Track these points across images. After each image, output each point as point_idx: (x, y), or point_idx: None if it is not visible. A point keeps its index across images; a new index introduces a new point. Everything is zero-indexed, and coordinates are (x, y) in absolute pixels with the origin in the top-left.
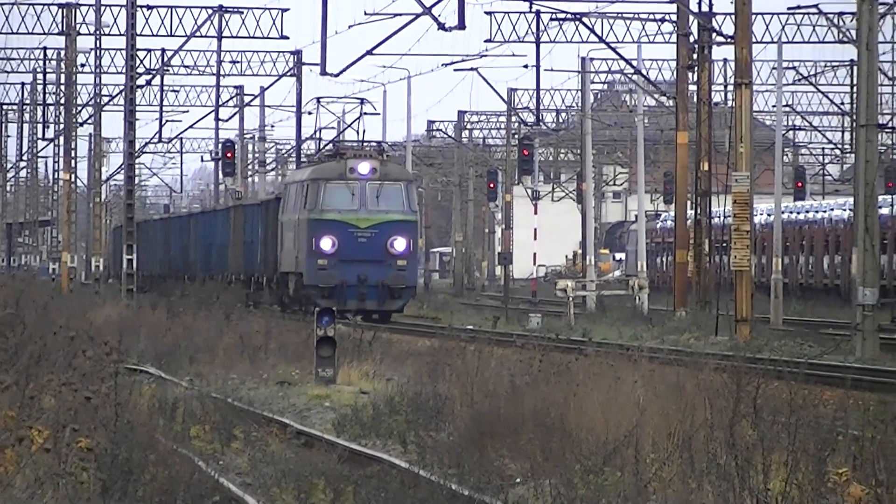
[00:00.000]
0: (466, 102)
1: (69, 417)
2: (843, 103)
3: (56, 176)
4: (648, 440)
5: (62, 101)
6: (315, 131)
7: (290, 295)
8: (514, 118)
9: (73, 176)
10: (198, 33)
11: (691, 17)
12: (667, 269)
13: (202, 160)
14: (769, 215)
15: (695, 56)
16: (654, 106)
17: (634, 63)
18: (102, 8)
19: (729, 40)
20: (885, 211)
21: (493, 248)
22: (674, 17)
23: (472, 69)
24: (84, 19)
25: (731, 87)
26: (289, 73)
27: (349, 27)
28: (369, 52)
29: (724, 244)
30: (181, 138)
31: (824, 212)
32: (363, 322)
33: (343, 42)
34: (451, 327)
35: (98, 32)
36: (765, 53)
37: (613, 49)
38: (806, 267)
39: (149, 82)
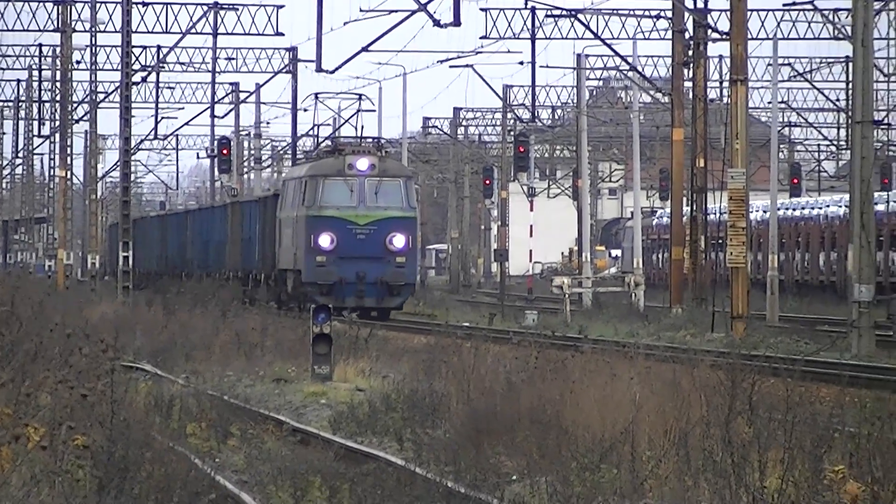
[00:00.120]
0: (462, 99)
1: (65, 415)
2: (838, 100)
3: (52, 173)
4: (645, 437)
5: (58, 97)
6: (312, 127)
7: (288, 292)
8: (509, 115)
9: (69, 173)
10: (193, 30)
11: (687, 14)
12: (663, 266)
13: (198, 157)
14: (765, 212)
15: (690, 52)
16: (649, 102)
17: (630, 59)
18: (98, 4)
19: (724, 37)
20: (880, 207)
21: (489, 244)
22: (669, 14)
23: (467, 66)
24: (80, 16)
25: (726, 84)
26: (284, 70)
27: (344, 24)
28: (365, 49)
29: (720, 241)
30: (177, 135)
31: (820, 208)
32: (359, 319)
33: (338, 39)
34: (447, 324)
35: (94, 29)
36: (760, 50)
37: (609, 45)
38: (802, 264)
39: (144, 79)
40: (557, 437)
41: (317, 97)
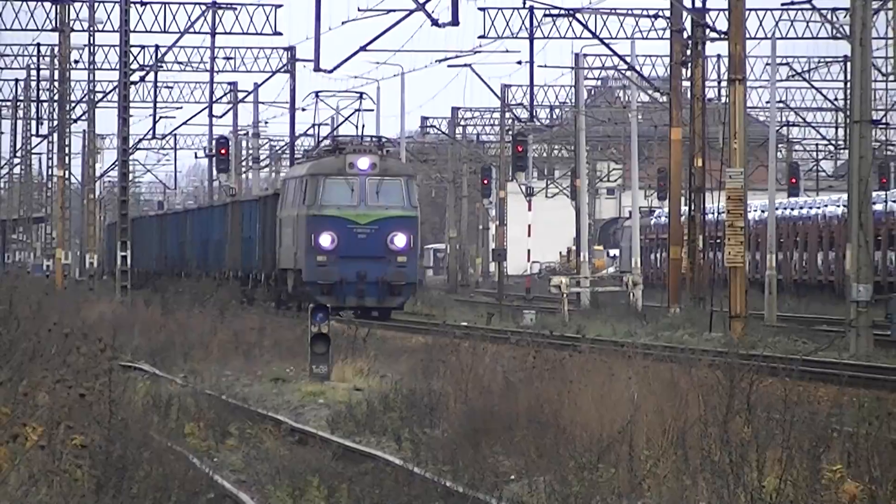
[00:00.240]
0: (460, 99)
1: (63, 414)
2: (836, 99)
3: (50, 172)
4: (642, 437)
5: (56, 97)
6: (312, 126)
7: (288, 292)
8: (507, 114)
9: (66, 172)
10: (191, 29)
11: (685, 13)
12: (661, 266)
13: (196, 157)
14: (763, 211)
15: (688, 52)
16: (647, 102)
17: (628, 59)
18: (96, 4)
19: (722, 36)
20: (878, 207)
21: (487, 244)
22: (667, 13)
23: (465, 65)
24: (78, 15)
25: (724, 83)
26: (282, 70)
27: (343, 23)
28: (363, 49)
29: (718, 240)
30: (175, 135)
31: (818, 208)
32: (356, 318)
33: (337, 38)
34: (445, 324)
35: (92, 28)
36: (758, 49)
37: (607, 45)
38: (800, 263)
39: (142, 79)
40: (555, 437)
41: (317, 95)
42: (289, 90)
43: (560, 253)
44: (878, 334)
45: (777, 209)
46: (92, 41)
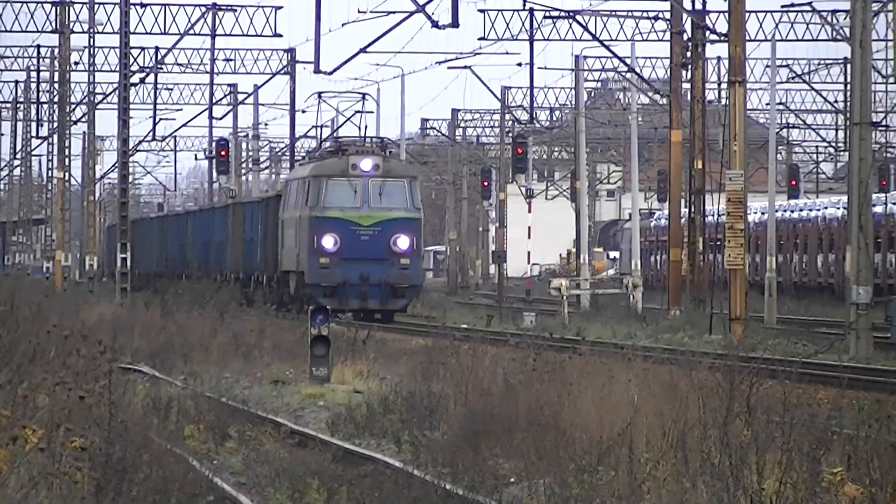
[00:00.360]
0: (460, 100)
1: (63, 417)
2: (836, 101)
3: (50, 174)
4: (642, 439)
5: (56, 99)
6: (314, 127)
7: (290, 294)
8: (507, 116)
9: (66, 174)
10: (191, 31)
11: (685, 15)
12: (661, 268)
13: (196, 158)
14: (763, 213)
15: (688, 54)
16: (647, 104)
17: (628, 61)
18: (96, 6)
19: (722, 38)
20: (878, 209)
21: (486, 246)
22: (667, 15)
23: (465, 67)
24: (77, 17)
25: (724, 85)
26: (282, 71)
27: (343, 25)
28: (363, 50)
29: (718, 242)
30: (175, 136)
31: (818, 210)
32: (356, 321)
33: (337, 40)
34: (444, 326)
35: (92, 30)
36: (758, 51)
37: (607, 47)
38: (800, 265)
39: (142, 80)
40: (555, 439)
41: (320, 96)
42: (289, 92)
43: (560, 255)
44: (878, 337)
45: (777, 211)
46: (92, 43)
